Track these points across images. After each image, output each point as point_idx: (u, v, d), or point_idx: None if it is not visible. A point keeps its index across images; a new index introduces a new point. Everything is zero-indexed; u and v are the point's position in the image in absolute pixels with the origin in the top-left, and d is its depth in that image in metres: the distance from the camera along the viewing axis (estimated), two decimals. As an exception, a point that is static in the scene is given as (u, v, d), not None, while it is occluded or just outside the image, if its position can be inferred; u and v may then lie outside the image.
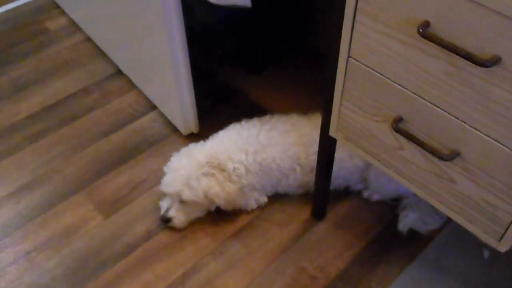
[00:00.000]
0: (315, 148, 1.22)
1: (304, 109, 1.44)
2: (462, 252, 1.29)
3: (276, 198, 1.41)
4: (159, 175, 1.36)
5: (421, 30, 0.74)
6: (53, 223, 1.36)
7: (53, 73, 1.82)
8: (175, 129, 1.60)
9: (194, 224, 1.35)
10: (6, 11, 2.10)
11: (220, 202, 1.30)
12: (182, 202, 1.30)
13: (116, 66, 1.83)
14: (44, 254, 1.29)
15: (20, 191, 1.44)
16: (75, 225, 1.36)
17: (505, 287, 1.22)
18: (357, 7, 0.84)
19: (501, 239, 0.87)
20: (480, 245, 1.28)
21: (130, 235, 1.33)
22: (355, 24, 0.86)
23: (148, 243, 1.32)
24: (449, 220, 1.33)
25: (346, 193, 1.42)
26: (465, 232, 0.99)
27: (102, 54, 1.89)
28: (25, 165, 1.51)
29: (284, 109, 1.48)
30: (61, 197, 1.42)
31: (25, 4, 2.13)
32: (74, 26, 2.02)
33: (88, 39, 1.96)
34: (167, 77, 1.44)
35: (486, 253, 1.27)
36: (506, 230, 0.85)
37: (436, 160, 0.88)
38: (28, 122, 1.64)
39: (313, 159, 1.29)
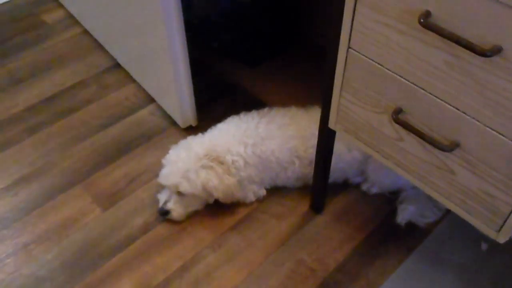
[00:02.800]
0: (313, 141, 1.21)
1: (303, 102, 1.44)
2: (460, 244, 1.29)
3: (275, 191, 1.41)
4: (157, 168, 1.36)
5: (422, 20, 0.74)
6: (51, 216, 1.36)
7: (50, 66, 1.82)
8: (173, 122, 1.60)
9: (193, 216, 1.35)
10: (3, 4, 2.09)
11: (219, 194, 1.29)
12: (180, 194, 1.30)
13: (114, 59, 1.82)
14: (42, 246, 1.29)
15: (18, 183, 1.44)
16: (73, 218, 1.35)
17: (502, 279, 1.22)
18: (358, -3, 0.84)
19: (500, 230, 0.87)
20: (478, 237, 1.28)
21: (128, 228, 1.33)
22: (355, 15, 0.86)
23: (147, 236, 1.31)
24: (447, 213, 1.34)
25: (344, 186, 1.42)
26: (463, 224, 1.00)
27: (99, 47, 1.88)
28: (23, 158, 1.50)
29: (282, 102, 1.48)
30: (59, 189, 1.42)
31: (21, -3, 2.12)
32: (72, 19, 2.01)
33: (86, 32, 1.95)
34: (165, 70, 1.43)
35: (484, 246, 1.28)
36: (505, 221, 0.85)
37: (435, 151, 0.88)
38: (25, 115, 1.64)
39: (311, 152, 1.29)
